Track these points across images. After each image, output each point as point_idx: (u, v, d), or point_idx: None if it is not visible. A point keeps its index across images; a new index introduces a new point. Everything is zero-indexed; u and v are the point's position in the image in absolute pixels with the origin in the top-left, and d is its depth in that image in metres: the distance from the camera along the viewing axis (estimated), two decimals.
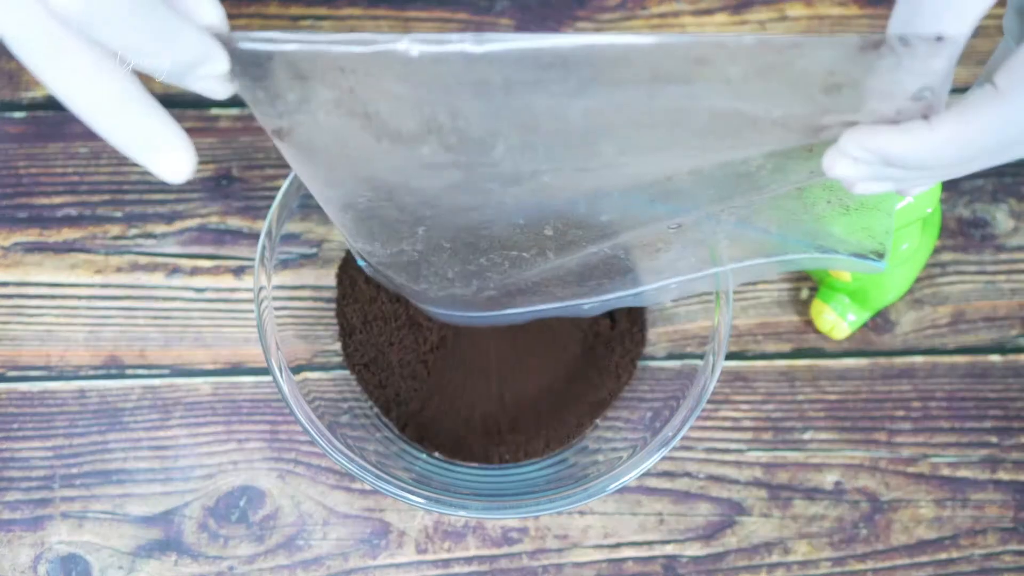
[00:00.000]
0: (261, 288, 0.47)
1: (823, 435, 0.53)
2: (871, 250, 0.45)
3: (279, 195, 0.49)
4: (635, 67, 0.31)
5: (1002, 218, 0.56)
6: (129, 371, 0.53)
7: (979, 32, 0.60)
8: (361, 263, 0.50)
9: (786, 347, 0.54)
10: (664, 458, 0.49)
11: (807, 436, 0.53)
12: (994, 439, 0.53)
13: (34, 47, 0.30)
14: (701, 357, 0.48)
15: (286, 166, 0.56)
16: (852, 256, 0.45)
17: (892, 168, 0.36)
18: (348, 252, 0.52)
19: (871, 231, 0.46)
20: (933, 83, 0.33)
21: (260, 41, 0.31)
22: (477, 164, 0.37)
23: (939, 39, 0.32)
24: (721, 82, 0.32)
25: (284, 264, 0.51)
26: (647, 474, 0.52)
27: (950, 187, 0.57)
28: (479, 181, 0.39)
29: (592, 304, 0.49)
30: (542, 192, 0.40)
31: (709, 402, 0.53)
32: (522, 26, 0.59)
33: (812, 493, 0.52)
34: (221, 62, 0.31)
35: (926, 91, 0.33)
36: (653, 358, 0.52)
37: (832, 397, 0.53)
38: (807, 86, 0.33)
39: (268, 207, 0.54)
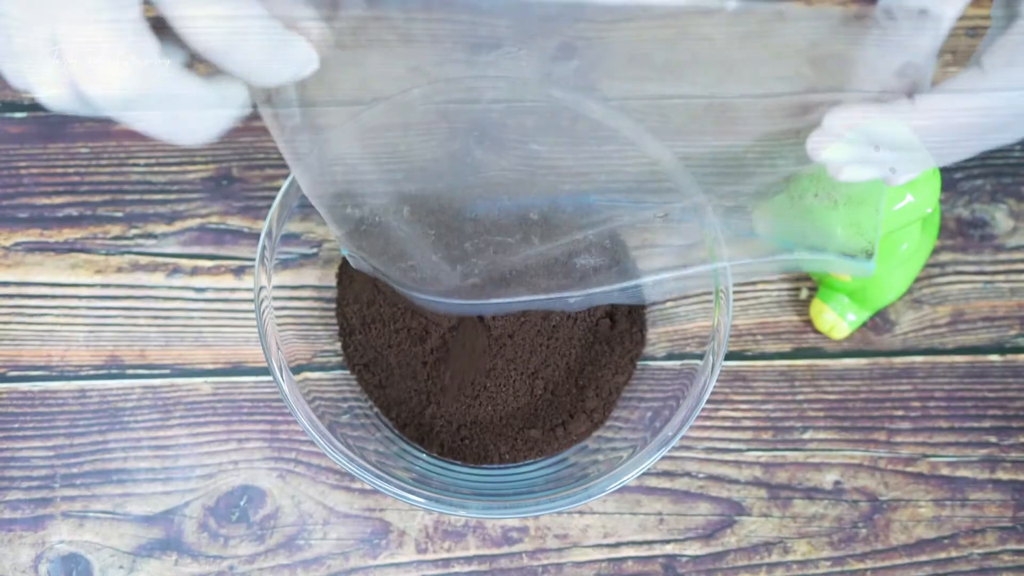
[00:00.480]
0: (261, 288, 0.48)
1: (822, 435, 0.53)
2: (861, 249, 0.46)
3: (279, 195, 0.49)
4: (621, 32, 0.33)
5: (1001, 218, 0.57)
6: (130, 371, 0.53)
7: (977, 33, 0.60)
8: (345, 252, 0.51)
9: (786, 347, 0.54)
10: (664, 458, 0.49)
11: (807, 436, 0.53)
12: (993, 439, 0.53)
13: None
14: (701, 357, 0.48)
15: (286, 166, 0.56)
16: (841, 256, 0.46)
17: (876, 150, 0.36)
18: (341, 254, 0.53)
19: (860, 227, 0.46)
20: (917, 60, 0.33)
21: None
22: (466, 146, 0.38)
23: (922, 12, 0.32)
24: (706, 43, 0.33)
25: (284, 264, 0.51)
26: (647, 474, 0.52)
27: (949, 187, 0.57)
28: (465, 163, 0.40)
29: (577, 298, 0.50)
30: (530, 171, 0.41)
31: (709, 402, 0.53)
32: (522, 27, 0.60)
33: (812, 493, 0.52)
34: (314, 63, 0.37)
35: (910, 68, 0.34)
36: (653, 358, 0.52)
37: (831, 397, 0.53)
38: (792, 57, 0.34)
39: (268, 207, 0.54)
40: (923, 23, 0.32)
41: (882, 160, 0.36)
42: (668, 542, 0.51)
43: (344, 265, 0.53)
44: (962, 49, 0.59)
